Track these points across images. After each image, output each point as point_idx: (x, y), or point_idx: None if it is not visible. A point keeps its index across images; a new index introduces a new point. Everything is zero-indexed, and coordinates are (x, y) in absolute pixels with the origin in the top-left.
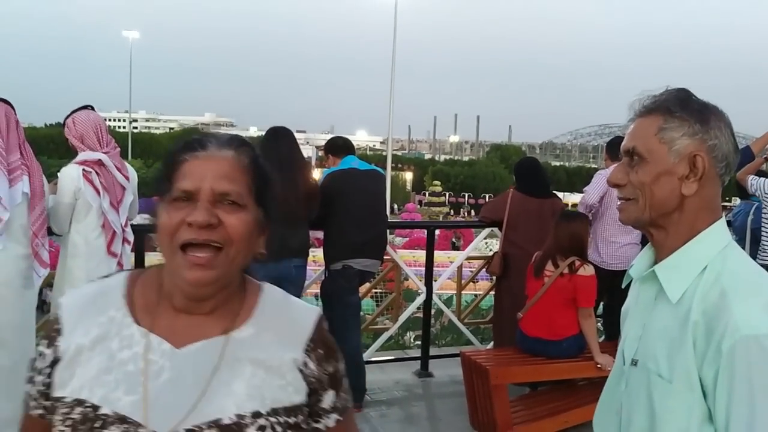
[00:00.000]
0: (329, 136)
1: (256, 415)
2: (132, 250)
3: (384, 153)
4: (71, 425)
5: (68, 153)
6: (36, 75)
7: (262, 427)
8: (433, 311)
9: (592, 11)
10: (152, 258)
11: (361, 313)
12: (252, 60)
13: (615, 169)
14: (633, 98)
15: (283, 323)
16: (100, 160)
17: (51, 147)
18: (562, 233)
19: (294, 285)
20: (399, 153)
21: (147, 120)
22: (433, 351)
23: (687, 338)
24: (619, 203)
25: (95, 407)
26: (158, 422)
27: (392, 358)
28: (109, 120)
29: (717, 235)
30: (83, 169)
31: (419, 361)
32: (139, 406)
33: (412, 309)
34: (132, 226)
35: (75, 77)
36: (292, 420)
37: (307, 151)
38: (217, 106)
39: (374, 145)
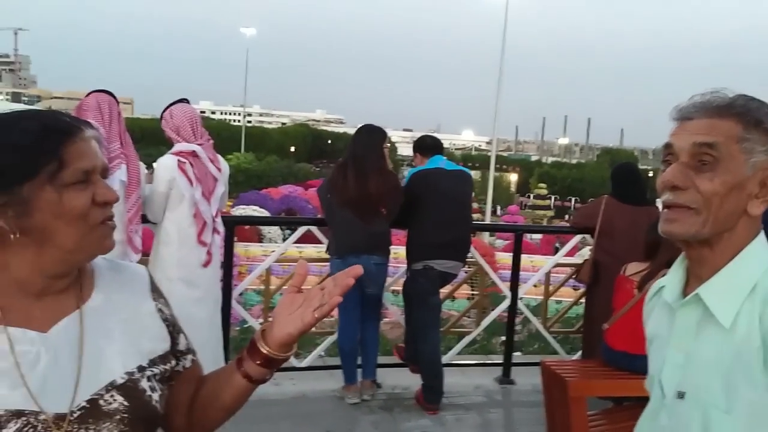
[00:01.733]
0: (435, 136)
1: (141, 369)
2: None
3: (489, 153)
4: None
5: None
6: (162, 72)
7: (149, 378)
8: (520, 318)
9: (719, 12)
10: (242, 249)
11: (446, 315)
12: (364, 60)
13: (674, 167)
14: (696, 95)
15: (122, 282)
16: (194, 151)
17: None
18: (671, 246)
19: (374, 281)
20: (504, 154)
21: (261, 115)
22: (518, 358)
23: (750, 368)
24: (668, 211)
25: None
26: (54, 404)
27: (474, 362)
28: (225, 114)
29: (762, 251)
30: (178, 160)
31: (502, 368)
32: (28, 396)
33: (495, 313)
34: (222, 217)
35: (195, 72)
36: (168, 366)
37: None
38: (328, 103)
39: (480, 146)
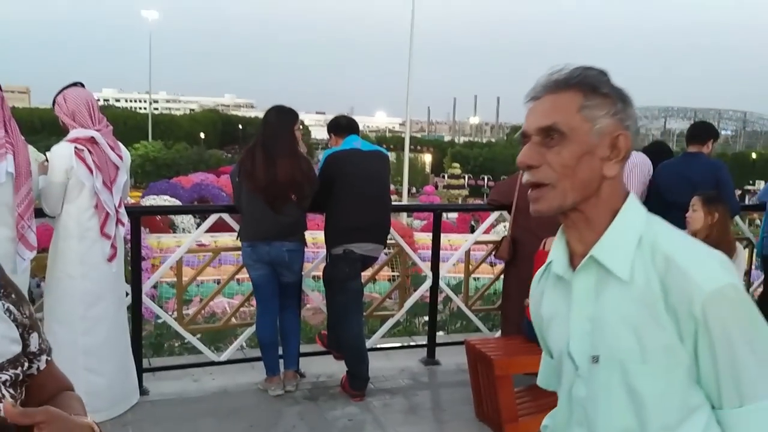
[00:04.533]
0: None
1: None
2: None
3: (403, 135)
4: None
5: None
6: (61, 59)
7: None
8: (441, 297)
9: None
10: (154, 240)
11: (368, 299)
12: (272, 42)
13: (526, 148)
14: (542, 73)
15: None
16: (92, 137)
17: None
18: None
19: (288, 269)
20: (418, 135)
21: (168, 101)
22: (442, 338)
23: (655, 314)
24: (532, 191)
25: None
26: None
27: (398, 345)
28: (130, 101)
29: (636, 207)
30: (75, 147)
31: (426, 349)
32: None
33: (418, 294)
34: (126, 207)
35: (96, 59)
36: (19, 370)
37: (325, 133)
38: (238, 87)
39: (394, 127)
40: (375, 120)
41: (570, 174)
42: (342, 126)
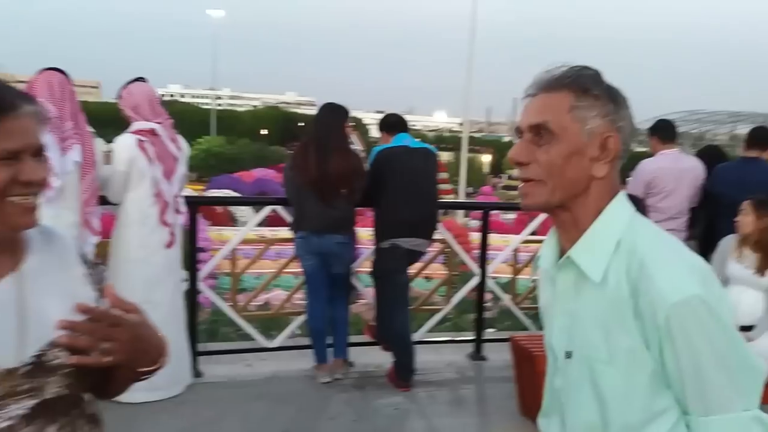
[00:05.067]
0: (407, 118)
1: None
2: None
3: (461, 135)
4: None
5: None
6: (130, 55)
7: None
8: (491, 295)
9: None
10: (215, 233)
11: (418, 294)
12: (335, 42)
13: (517, 145)
14: (538, 73)
15: (53, 248)
16: (153, 129)
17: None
18: None
19: (337, 260)
20: (477, 135)
21: (231, 97)
22: (490, 335)
23: (622, 317)
24: (521, 186)
25: None
26: (1, 359)
27: (446, 339)
28: (194, 97)
29: (621, 209)
30: (138, 138)
31: (473, 344)
32: None
33: (464, 291)
34: (185, 197)
35: (163, 55)
36: None
37: None
38: (299, 85)
39: (452, 127)
40: (434, 120)
41: (557, 173)
42: (392, 124)
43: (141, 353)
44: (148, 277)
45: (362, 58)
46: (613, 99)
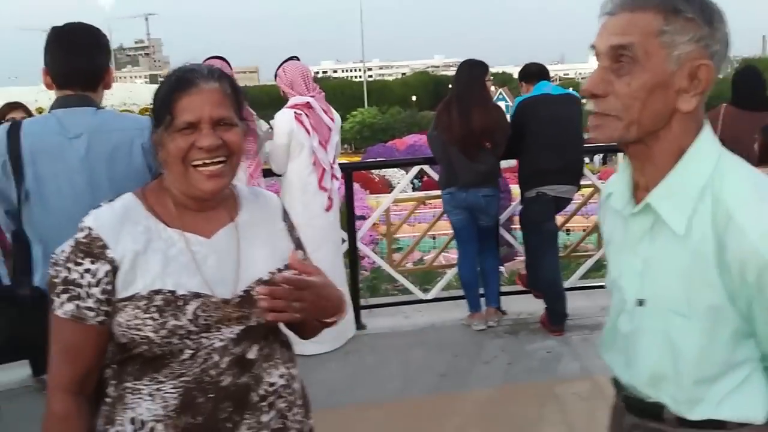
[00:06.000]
0: (558, 67)
1: (279, 270)
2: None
3: None
4: (157, 310)
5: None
6: (282, 39)
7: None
8: None
9: None
10: (373, 200)
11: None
12: None
13: (594, 74)
14: None
15: (260, 205)
16: (308, 102)
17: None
18: None
19: (484, 213)
20: None
21: (380, 68)
22: None
23: (706, 272)
24: (593, 117)
25: (172, 291)
26: (220, 291)
27: (598, 284)
28: (346, 71)
29: (708, 148)
30: (295, 112)
31: None
32: (203, 283)
33: None
34: (339, 164)
35: (314, 33)
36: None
37: None
38: (446, 47)
39: None
40: (588, 66)
41: (639, 107)
42: (532, 73)
43: (324, 309)
44: (311, 240)
45: (507, 12)
46: (708, 19)
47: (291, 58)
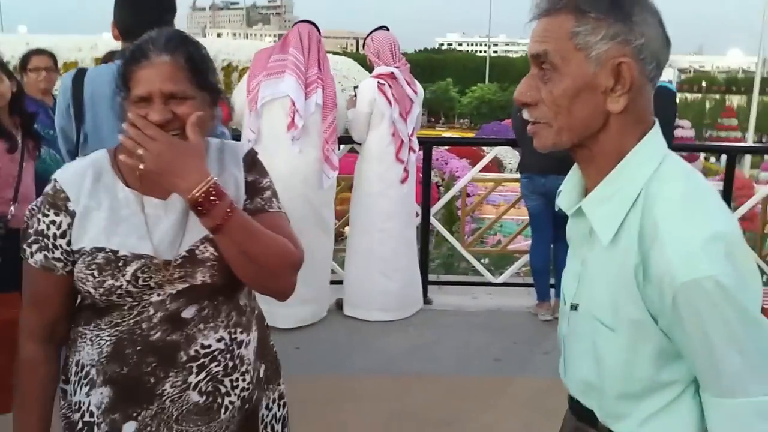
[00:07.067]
0: (695, 58)
1: None
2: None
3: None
4: (97, 268)
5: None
6: (411, 5)
7: None
8: None
9: None
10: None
11: None
12: None
13: (522, 82)
14: None
15: (219, 159)
16: (392, 73)
17: (417, 71)
18: None
19: None
20: None
21: (506, 44)
22: None
23: (631, 285)
24: (530, 126)
25: (115, 251)
26: (165, 253)
27: None
28: (471, 45)
29: (650, 151)
30: (378, 82)
31: None
32: (149, 245)
33: None
34: (418, 137)
35: (441, 4)
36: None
37: (668, 75)
38: None
39: (749, 67)
40: (725, 60)
41: (565, 113)
42: None
43: (169, 174)
44: (384, 209)
45: None
46: (620, 14)
47: (380, 28)
